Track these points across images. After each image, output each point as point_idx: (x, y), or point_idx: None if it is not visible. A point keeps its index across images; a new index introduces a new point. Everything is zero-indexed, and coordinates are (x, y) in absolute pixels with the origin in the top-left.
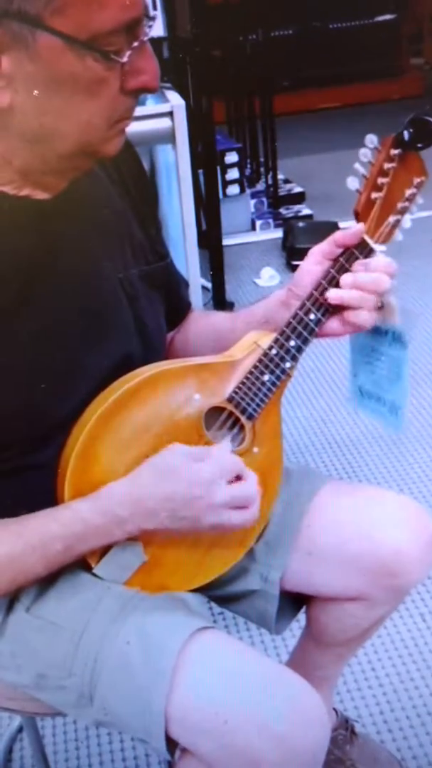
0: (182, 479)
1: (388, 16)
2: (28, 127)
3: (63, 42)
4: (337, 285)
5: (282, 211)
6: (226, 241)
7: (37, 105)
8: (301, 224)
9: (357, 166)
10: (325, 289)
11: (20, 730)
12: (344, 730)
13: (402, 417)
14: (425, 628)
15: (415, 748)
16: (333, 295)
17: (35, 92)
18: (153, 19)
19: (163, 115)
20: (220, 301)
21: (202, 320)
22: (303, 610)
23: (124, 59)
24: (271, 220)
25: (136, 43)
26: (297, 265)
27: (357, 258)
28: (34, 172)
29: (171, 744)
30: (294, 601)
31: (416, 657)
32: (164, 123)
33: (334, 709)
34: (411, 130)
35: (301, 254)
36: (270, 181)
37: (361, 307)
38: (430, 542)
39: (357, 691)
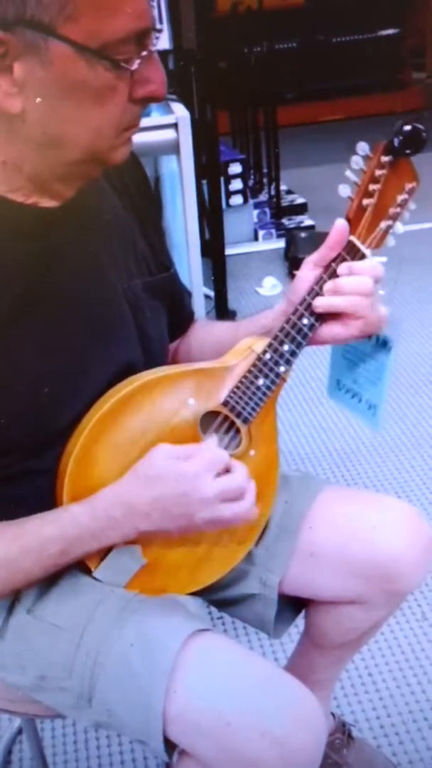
0: (168, 478)
1: (390, 31)
2: (39, 133)
3: (74, 50)
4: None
5: (284, 221)
6: (228, 251)
7: (48, 111)
8: (303, 235)
9: (348, 173)
10: (318, 293)
11: (20, 731)
12: (341, 734)
13: (379, 417)
14: (422, 633)
15: (411, 753)
16: (318, 302)
17: (46, 98)
18: (160, 31)
19: (167, 127)
20: (222, 309)
21: (206, 330)
22: (302, 614)
23: (134, 67)
24: (273, 231)
25: (144, 53)
26: None
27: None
28: (43, 179)
29: (169, 746)
30: (293, 604)
31: (413, 662)
32: (169, 134)
33: (332, 713)
34: (401, 137)
35: None
36: (273, 192)
37: (352, 313)
38: (428, 547)
39: (354, 696)
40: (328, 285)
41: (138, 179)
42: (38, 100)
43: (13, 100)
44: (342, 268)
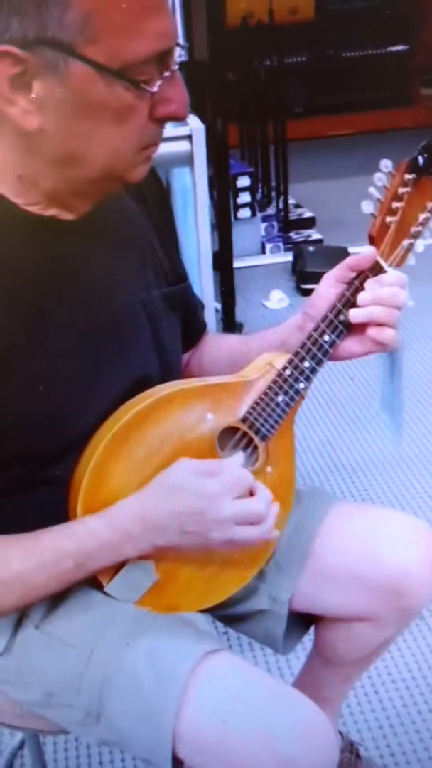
0: (188, 494)
1: (400, 47)
2: (57, 151)
3: (94, 70)
4: (352, 306)
5: (292, 235)
6: (236, 264)
7: (66, 130)
8: (311, 248)
9: (372, 190)
10: (340, 311)
11: (21, 746)
12: (349, 753)
13: (398, 428)
14: (428, 651)
15: None
16: (356, 314)
17: (64, 117)
18: (184, 47)
19: (182, 138)
20: (229, 322)
21: (218, 342)
22: (311, 629)
23: (155, 89)
24: (281, 244)
25: (167, 73)
26: (306, 289)
27: None
28: (60, 194)
29: (176, 765)
30: (302, 620)
31: (419, 681)
32: (183, 146)
33: (339, 732)
34: (425, 155)
35: (311, 278)
36: (281, 206)
37: (386, 323)
38: None
39: (360, 714)
40: (366, 296)
41: (156, 191)
42: (56, 118)
43: (30, 118)
44: (370, 283)
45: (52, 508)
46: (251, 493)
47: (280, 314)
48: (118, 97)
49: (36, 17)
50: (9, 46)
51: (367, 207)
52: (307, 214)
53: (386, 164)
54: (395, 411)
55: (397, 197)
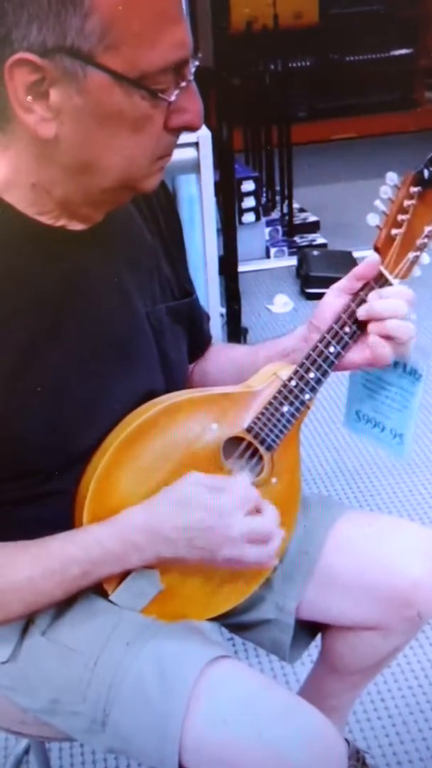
0: (200, 509)
1: (404, 51)
2: (72, 159)
3: (112, 79)
4: (357, 318)
5: (296, 239)
6: (240, 268)
7: (82, 138)
8: (315, 253)
9: (377, 202)
10: (345, 323)
11: (27, 751)
12: (356, 761)
13: (405, 445)
14: None
15: None
16: (366, 321)
17: (81, 125)
18: (199, 58)
19: (188, 145)
20: (234, 327)
21: (223, 353)
22: (318, 637)
23: (172, 98)
24: (285, 248)
25: (183, 83)
26: (311, 293)
27: None
28: (73, 203)
29: None
30: (308, 628)
31: (426, 688)
32: (189, 153)
33: (346, 740)
34: (431, 168)
35: (315, 282)
36: (285, 210)
37: (387, 336)
38: None
39: (366, 722)
40: (362, 309)
41: (165, 204)
42: (73, 126)
43: (47, 126)
44: (373, 294)
45: (58, 519)
46: (257, 511)
47: (284, 318)
48: (135, 106)
49: (56, 25)
50: (27, 53)
51: (373, 219)
52: (312, 218)
53: (392, 177)
54: (407, 425)
55: (403, 210)
